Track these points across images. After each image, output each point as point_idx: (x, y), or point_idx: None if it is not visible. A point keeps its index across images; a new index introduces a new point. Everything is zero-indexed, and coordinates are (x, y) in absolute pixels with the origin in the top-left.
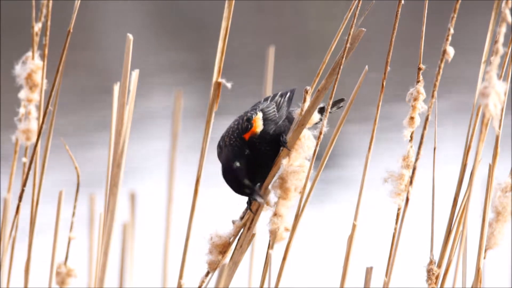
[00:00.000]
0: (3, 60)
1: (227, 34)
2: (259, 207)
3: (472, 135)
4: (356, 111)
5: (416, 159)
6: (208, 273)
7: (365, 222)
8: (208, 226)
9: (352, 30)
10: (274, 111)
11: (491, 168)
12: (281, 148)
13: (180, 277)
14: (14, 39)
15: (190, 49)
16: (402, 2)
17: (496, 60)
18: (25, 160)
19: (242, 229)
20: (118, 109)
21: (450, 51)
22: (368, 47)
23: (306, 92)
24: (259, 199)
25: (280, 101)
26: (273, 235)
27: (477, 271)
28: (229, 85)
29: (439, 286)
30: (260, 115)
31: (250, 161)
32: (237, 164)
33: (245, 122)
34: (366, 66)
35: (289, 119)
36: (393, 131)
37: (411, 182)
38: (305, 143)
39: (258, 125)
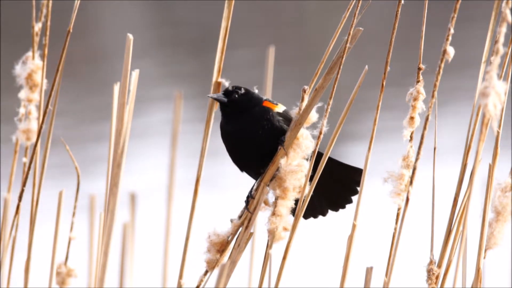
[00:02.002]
0: (3, 60)
1: (227, 34)
2: (257, 207)
3: (472, 135)
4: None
5: (416, 159)
6: (206, 272)
7: (365, 222)
8: (208, 226)
9: (352, 29)
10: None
11: (491, 168)
12: (279, 147)
13: (180, 277)
14: (14, 39)
15: (190, 48)
16: (402, 2)
17: (496, 60)
18: (25, 160)
19: (240, 228)
20: (118, 109)
21: (450, 51)
22: (368, 47)
23: (304, 91)
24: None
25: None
26: (272, 234)
27: (477, 271)
28: (228, 84)
29: (439, 286)
30: (281, 107)
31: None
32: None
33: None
34: (366, 66)
35: (288, 119)
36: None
37: (411, 182)
38: (303, 143)
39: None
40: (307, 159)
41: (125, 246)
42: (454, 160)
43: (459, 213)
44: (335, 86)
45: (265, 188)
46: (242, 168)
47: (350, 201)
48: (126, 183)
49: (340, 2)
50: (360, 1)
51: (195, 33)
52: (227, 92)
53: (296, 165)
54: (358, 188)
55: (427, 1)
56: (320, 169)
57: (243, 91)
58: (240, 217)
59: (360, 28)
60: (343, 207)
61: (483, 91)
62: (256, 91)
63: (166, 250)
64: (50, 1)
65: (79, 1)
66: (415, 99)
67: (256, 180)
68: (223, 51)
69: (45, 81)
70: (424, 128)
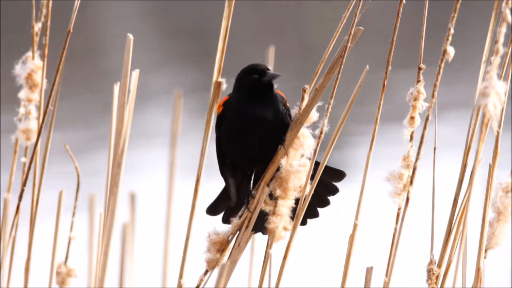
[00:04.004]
0: (3, 60)
1: (227, 33)
2: (257, 206)
3: (472, 135)
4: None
5: (417, 159)
6: (206, 271)
7: (365, 222)
8: (208, 226)
9: (353, 29)
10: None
11: (491, 168)
12: (279, 147)
13: (180, 276)
14: (14, 39)
15: (190, 48)
16: (404, 1)
17: (496, 60)
18: (25, 160)
19: (240, 228)
20: (118, 109)
21: (450, 51)
22: (368, 46)
23: (304, 91)
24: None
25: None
26: (272, 234)
27: (477, 271)
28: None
29: (439, 286)
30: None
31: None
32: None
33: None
34: (367, 66)
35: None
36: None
37: (411, 182)
38: (305, 142)
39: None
40: (309, 159)
41: (125, 246)
42: (454, 160)
43: (459, 213)
44: (336, 85)
45: (265, 187)
46: (239, 160)
47: (316, 215)
48: (126, 183)
49: (341, 2)
50: (361, 1)
51: (195, 33)
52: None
53: (299, 165)
54: (331, 198)
55: (427, 1)
56: (321, 170)
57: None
58: (240, 216)
59: (361, 28)
60: (304, 223)
61: (483, 91)
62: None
63: (166, 250)
64: (50, 1)
65: (79, 1)
66: (416, 99)
67: (245, 180)
68: (223, 51)
69: (45, 81)
70: (424, 128)
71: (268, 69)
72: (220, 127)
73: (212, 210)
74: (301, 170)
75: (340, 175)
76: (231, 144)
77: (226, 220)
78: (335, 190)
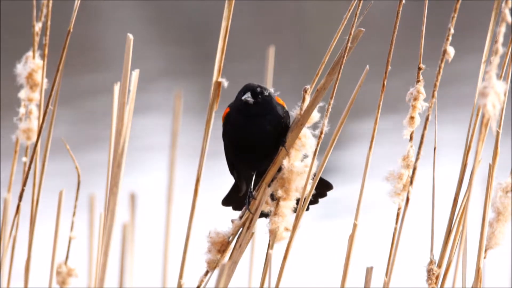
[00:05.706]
0: (3, 60)
1: (227, 34)
2: (258, 207)
3: (472, 135)
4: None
5: (417, 159)
6: (207, 272)
7: (365, 222)
8: (208, 226)
9: (353, 30)
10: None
11: (491, 168)
12: (280, 148)
13: (180, 277)
14: (14, 39)
15: (191, 48)
16: (403, 1)
17: (495, 60)
18: (25, 159)
19: (241, 229)
20: (118, 109)
21: (450, 51)
22: (368, 47)
23: (305, 91)
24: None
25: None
26: (273, 235)
27: (477, 271)
28: (226, 84)
29: (439, 286)
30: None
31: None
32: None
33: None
34: (367, 66)
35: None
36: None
37: (411, 182)
38: (307, 142)
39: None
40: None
41: (125, 246)
42: (454, 160)
43: (459, 213)
44: (336, 86)
45: (267, 188)
46: (239, 164)
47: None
48: (126, 183)
49: (342, 2)
50: (361, 1)
51: (195, 31)
52: (254, 94)
53: (303, 166)
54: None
55: (427, 1)
56: (322, 169)
57: (267, 93)
58: (241, 217)
59: (362, 29)
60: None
61: (482, 91)
62: (272, 90)
63: (166, 250)
64: (50, 1)
65: (79, 1)
66: (415, 99)
67: (246, 182)
68: (223, 51)
69: (45, 80)
70: (424, 128)
71: (254, 92)
72: (224, 135)
73: (226, 201)
74: (306, 171)
75: (327, 186)
76: (232, 152)
77: (236, 208)
78: (314, 202)
